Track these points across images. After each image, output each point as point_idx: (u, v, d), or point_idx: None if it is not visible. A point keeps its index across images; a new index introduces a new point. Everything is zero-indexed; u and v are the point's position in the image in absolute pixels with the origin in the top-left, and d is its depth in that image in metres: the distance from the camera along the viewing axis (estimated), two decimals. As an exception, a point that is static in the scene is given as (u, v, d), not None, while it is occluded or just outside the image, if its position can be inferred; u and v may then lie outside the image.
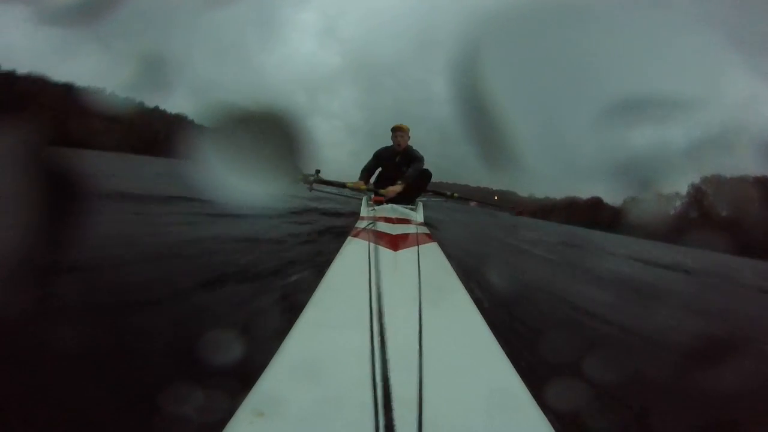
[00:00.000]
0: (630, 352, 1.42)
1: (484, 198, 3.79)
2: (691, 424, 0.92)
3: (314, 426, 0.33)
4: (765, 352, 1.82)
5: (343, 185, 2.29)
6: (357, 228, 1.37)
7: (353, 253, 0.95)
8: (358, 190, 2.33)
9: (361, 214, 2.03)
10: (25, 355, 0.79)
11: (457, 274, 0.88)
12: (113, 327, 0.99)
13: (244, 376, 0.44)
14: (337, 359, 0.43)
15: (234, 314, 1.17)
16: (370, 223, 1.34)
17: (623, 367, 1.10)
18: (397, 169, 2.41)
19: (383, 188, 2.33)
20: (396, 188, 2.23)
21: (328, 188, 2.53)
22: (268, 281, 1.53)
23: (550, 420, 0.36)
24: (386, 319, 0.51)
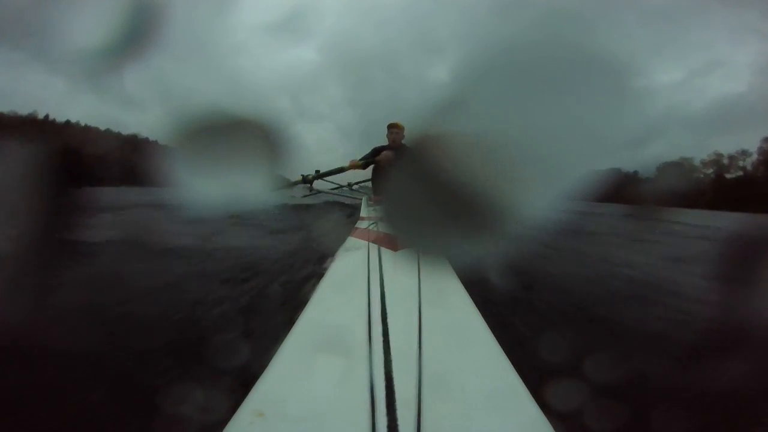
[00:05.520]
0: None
1: None
2: (693, 423, 0.91)
3: (314, 426, 0.33)
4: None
5: (341, 170, 2.36)
6: (357, 228, 1.37)
7: (353, 253, 0.95)
8: (357, 166, 2.43)
9: (361, 214, 2.04)
10: (25, 355, 0.79)
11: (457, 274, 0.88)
12: (113, 327, 0.99)
13: (244, 376, 0.44)
14: (337, 359, 0.43)
15: (234, 314, 1.17)
16: (370, 223, 1.34)
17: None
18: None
19: (379, 186, 2.48)
20: (390, 153, 2.34)
21: (329, 186, 2.59)
22: (266, 280, 1.53)
23: (550, 420, 0.36)
24: (386, 319, 0.51)
